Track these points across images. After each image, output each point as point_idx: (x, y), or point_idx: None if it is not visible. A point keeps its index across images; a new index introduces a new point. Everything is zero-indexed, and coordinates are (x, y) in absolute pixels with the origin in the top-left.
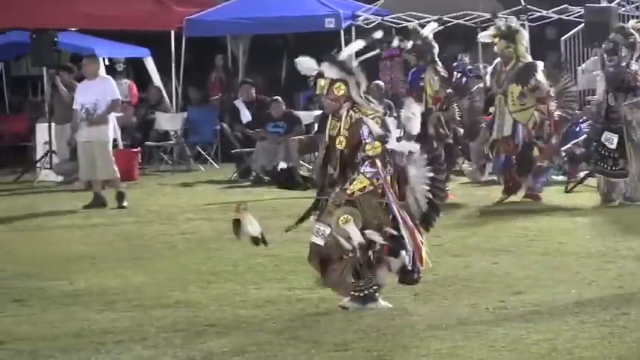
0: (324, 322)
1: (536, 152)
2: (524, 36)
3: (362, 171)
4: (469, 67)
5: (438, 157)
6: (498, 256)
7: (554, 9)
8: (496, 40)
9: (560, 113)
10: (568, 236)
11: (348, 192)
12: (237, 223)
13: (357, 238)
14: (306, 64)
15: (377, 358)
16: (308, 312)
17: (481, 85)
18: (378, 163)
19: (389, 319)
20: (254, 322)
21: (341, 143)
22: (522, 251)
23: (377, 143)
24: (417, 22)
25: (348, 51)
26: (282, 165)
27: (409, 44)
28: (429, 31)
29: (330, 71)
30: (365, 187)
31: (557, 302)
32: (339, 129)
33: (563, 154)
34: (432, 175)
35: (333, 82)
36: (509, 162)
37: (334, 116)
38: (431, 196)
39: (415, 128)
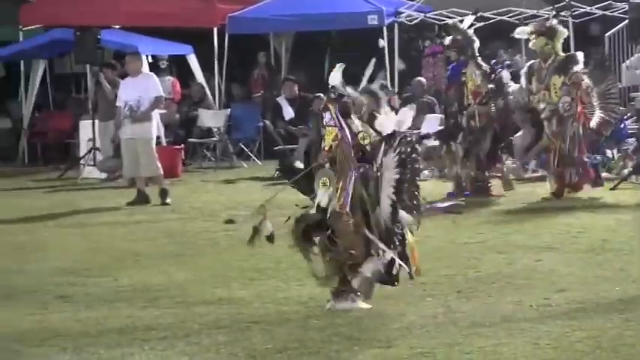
0: (366, 318)
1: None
2: (563, 32)
3: None
4: (507, 61)
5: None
6: (542, 253)
7: (598, 5)
8: (533, 37)
9: (603, 116)
10: (612, 233)
11: None
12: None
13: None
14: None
15: (420, 356)
16: (350, 309)
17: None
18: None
19: (432, 316)
20: (297, 318)
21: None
22: (566, 248)
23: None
24: (459, 18)
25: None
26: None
27: (448, 39)
28: (467, 24)
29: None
30: None
31: (602, 299)
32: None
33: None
34: (398, 177)
35: None
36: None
37: None
38: (394, 199)
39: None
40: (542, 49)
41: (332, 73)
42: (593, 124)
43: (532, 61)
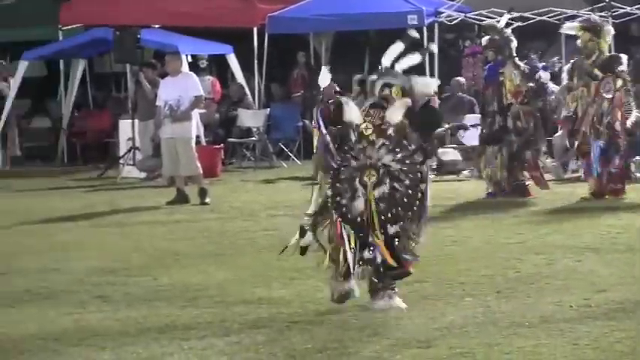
0: (405, 319)
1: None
2: (609, 31)
3: None
4: (543, 64)
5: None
6: (582, 254)
7: (639, 5)
8: (580, 32)
9: (639, 115)
10: None
11: None
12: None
13: None
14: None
15: (460, 356)
16: (390, 309)
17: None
18: None
19: (472, 316)
20: (336, 319)
21: None
22: (606, 249)
23: None
24: (499, 18)
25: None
26: None
27: (485, 39)
28: (503, 23)
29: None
30: None
31: None
32: None
33: None
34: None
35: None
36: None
37: None
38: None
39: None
40: (586, 44)
41: (321, 75)
42: (628, 123)
43: (575, 58)
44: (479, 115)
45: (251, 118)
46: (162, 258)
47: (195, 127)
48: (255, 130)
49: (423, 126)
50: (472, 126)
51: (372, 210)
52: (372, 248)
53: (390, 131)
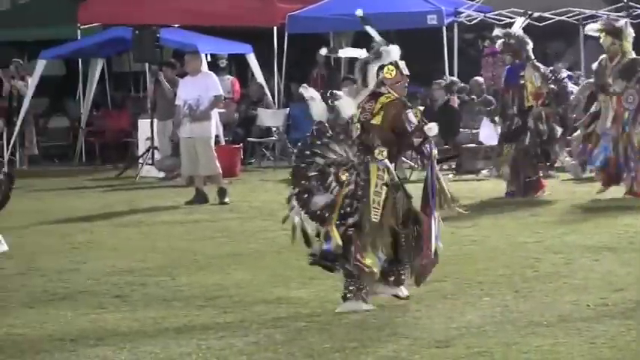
0: (424, 318)
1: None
2: (630, 33)
3: None
4: (569, 73)
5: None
6: (599, 253)
7: None
8: (602, 35)
9: None
10: None
11: None
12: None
13: None
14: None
15: (478, 355)
16: (408, 308)
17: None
18: None
19: (490, 315)
20: (355, 318)
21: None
22: (624, 248)
23: None
24: (518, 18)
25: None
26: None
27: (499, 43)
28: (518, 27)
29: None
30: None
31: None
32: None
33: None
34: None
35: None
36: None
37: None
38: None
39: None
40: (609, 48)
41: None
42: None
43: (602, 57)
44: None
45: (270, 117)
46: (180, 258)
47: (214, 126)
48: (274, 129)
49: (441, 126)
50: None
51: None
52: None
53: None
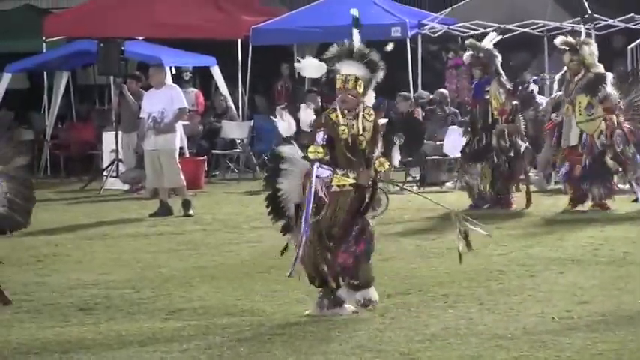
0: (388, 331)
1: (608, 162)
2: (592, 48)
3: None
4: (534, 77)
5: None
6: (564, 266)
7: (621, 17)
8: (563, 48)
9: (628, 127)
10: (634, 245)
11: None
12: None
13: None
14: (313, 65)
15: None
16: (372, 321)
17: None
18: None
19: (454, 328)
20: (318, 330)
21: (362, 144)
22: (588, 261)
23: None
24: (482, 30)
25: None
26: None
27: (467, 56)
28: (489, 42)
29: (359, 69)
30: None
31: (623, 312)
32: (360, 128)
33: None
34: None
35: (357, 78)
36: (573, 172)
37: (349, 112)
38: None
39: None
40: (568, 65)
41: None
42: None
43: (565, 70)
44: (461, 128)
45: (235, 129)
46: (144, 270)
47: (178, 139)
48: (238, 141)
49: (407, 137)
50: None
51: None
52: None
53: None
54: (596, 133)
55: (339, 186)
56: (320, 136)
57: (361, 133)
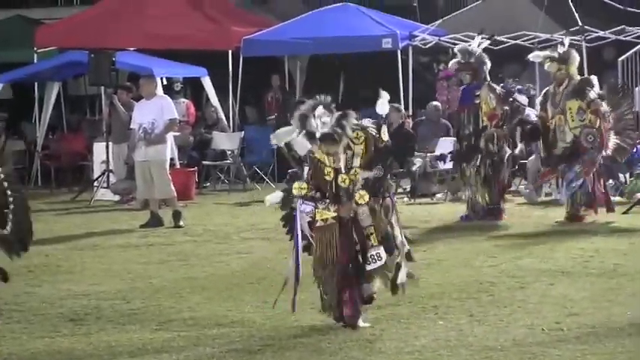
0: (378, 342)
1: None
2: (575, 57)
3: None
4: (518, 87)
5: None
6: (554, 278)
7: (612, 30)
8: (548, 62)
9: (618, 142)
10: (624, 257)
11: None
12: None
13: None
14: (301, 144)
15: None
16: (363, 332)
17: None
18: None
19: (444, 339)
20: (309, 342)
21: (345, 181)
22: (578, 273)
23: None
24: (479, 41)
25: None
26: None
27: (453, 62)
28: (476, 44)
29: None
30: None
31: (613, 324)
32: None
33: (624, 177)
34: None
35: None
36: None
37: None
38: None
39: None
40: (555, 75)
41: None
42: (608, 150)
43: (546, 89)
44: (454, 139)
45: (225, 140)
46: (135, 281)
47: (169, 149)
48: (229, 152)
49: (397, 150)
50: (438, 158)
51: None
52: None
53: None
54: None
55: (322, 220)
56: (305, 171)
57: (343, 172)
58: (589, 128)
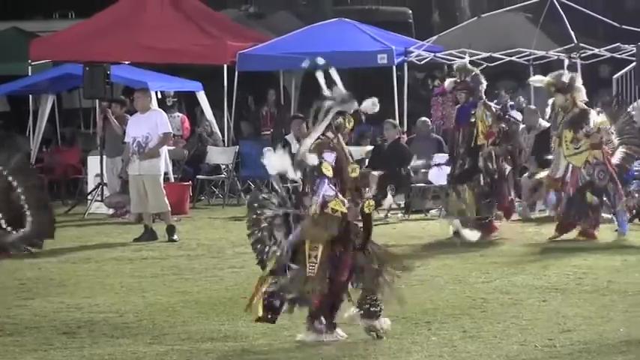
0: (371, 358)
1: (588, 195)
2: (580, 89)
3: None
4: (510, 103)
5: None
6: (547, 294)
7: (607, 47)
8: (553, 92)
9: (625, 150)
10: (617, 274)
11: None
12: None
13: None
14: (278, 162)
15: None
16: (355, 347)
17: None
18: None
19: (437, 355)
20: (302, 356)
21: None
22: (572, 289)
23: None
24: (468, 58)
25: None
26: None
27: (449, 82)
28: (467, 60)
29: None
30: None
31: (606, 341)
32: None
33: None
34: None
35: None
36: (559, 199)
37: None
38: None
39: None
40: (562, 106)
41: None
42: (616, 160)
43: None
44: (446, 155)
45: (220, 155)
46: (128, 295)
47: (163, 163)
48: (224, 167)
49: (392, 163)
50: (436, 165)
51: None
52: None
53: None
54: (582, 164)
55: (333, 209)
56: (331, 157)
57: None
58: (599, 165)
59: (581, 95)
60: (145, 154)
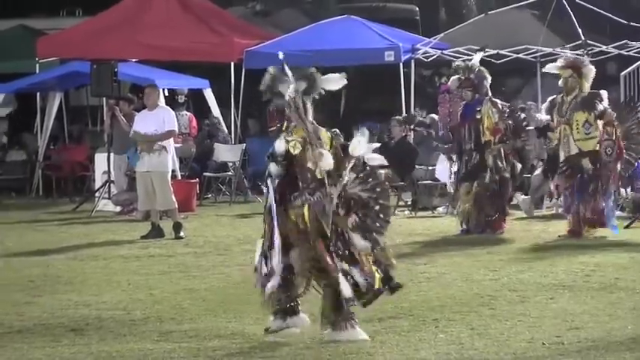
0: (378, 355)
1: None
2: (591, 71)
3: None
4: (521, 105)
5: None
6: (555, 291)
7: (614, 44)
8: (561, 70)
9: (625, 156)
10: (624, 271)
11: None
12: None
13: None
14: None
15: None
16: (363, 345)
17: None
18: None
19: (445, 353)
20: (309, 354)
21: None
22: (579, 287)
23: None
24: (480, 55)
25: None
26: None
27: (453, 80)
28: (476, 60)
29: None
30: None
31: (613, 338)
32: None
33: (625, 191)
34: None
35: None
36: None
37: None
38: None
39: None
40: (567, 80)
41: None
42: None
43: (554, 97)
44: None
45: (227, 152)
46: (136, 292)
47: (171, 161)
48: (231, 164)
49: (397, 162)
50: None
51: None
52: None
53: None
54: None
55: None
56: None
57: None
58: (608, 140)
59: (588, 88)
60: (147, 140)
